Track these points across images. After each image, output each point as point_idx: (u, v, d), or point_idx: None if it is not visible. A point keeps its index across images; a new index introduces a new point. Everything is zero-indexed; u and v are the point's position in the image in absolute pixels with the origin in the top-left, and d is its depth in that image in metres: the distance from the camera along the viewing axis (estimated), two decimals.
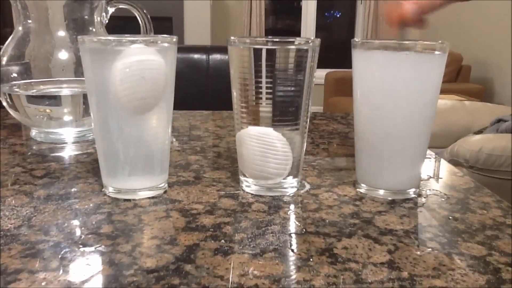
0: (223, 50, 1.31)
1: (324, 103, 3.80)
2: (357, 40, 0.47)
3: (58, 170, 0.54)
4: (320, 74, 3.68)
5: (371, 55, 0.46)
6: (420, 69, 0.45)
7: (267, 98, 0.45)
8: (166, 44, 0.45)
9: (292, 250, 0.37)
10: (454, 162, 1.61)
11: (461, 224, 0.42)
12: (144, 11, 0.72)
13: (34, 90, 0.67)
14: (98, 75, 0.44)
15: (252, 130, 0.46)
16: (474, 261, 0.36)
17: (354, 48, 0.48)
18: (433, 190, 0.51)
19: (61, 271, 0.33)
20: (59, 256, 0.35)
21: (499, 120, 1.85)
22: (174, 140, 0.70)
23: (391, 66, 0.45)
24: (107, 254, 0.35)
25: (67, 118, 0.67)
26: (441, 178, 0.56)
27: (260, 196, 0.47)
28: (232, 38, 0.46)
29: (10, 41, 0.68)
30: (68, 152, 0.63)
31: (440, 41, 0.45)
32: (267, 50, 0.44)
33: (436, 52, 0.45)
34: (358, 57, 0.48)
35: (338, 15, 4.90)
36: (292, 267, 0.34)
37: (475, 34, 3.68)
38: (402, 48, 0.45)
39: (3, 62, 0.67)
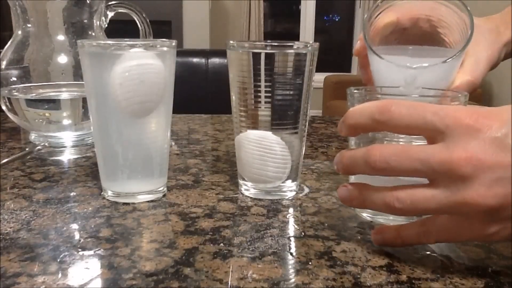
0: (222, 54, 1.31)
1: (323, 107, 3.80)
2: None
3: (57, 173, 0.54)
4: (319, 78, 3.68)
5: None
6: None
7: (266, 102, 0.45)
8: (165, 48, 0.45)
9: (291, 254, 0.37)
10: None
11: None
12: (143, 15, 0.72)
13: (33, 94, 0.68)
14: (98, 79, 0.44)
15: (251, 133, 0.46)
16: (472, 264, 0.36)
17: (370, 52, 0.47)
18: None
19: (60, 275, 0.33)
20: (58, 260, 0.35)
21: None
22: (173, 143, 0.70)
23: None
24: (106, 258, 0.35)
25: (66, 122, 0.67)
26: None
27: (259, 199, 0.48)
28: (231, 42, 0.46)
29: (9, 45, 0.68)
30: (67, 156, 0.63)
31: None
32: (266, 54, 0.44)
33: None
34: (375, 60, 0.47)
35: (336, 19, 4.91)
36: (291, 270, 0.34)
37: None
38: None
39: (3, 66, 0.67)
